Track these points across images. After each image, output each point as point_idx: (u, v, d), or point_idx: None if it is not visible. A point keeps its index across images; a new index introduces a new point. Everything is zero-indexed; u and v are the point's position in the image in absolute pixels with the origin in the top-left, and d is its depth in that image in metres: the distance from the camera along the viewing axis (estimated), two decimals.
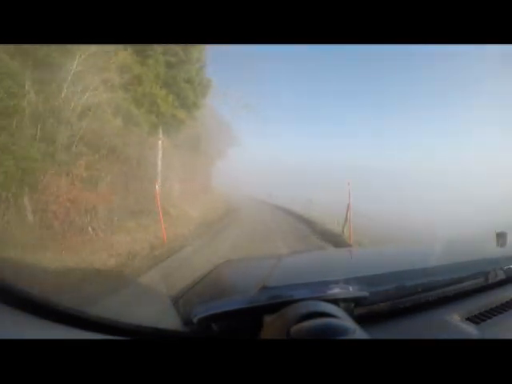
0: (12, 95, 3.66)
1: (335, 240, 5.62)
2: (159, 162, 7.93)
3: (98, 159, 5.23)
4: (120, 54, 6.03)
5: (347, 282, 0.77)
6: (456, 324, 0.69)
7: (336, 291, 0.67)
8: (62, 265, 3.18)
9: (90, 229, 4.52)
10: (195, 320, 0.59)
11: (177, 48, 6.97)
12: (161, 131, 7.86)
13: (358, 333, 0.47)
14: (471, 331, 0.66)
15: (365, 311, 0.70)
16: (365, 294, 0.68)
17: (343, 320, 0.50)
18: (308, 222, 7.98)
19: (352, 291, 0.68)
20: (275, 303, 0.60)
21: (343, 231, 6.04)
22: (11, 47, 3.74)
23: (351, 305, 0.67)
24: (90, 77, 5.04)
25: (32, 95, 4.14)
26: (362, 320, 0.58)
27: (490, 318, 0.73)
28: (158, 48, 6.71)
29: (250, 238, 5.74)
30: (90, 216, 4.65)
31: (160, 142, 7.94)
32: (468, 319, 0.71)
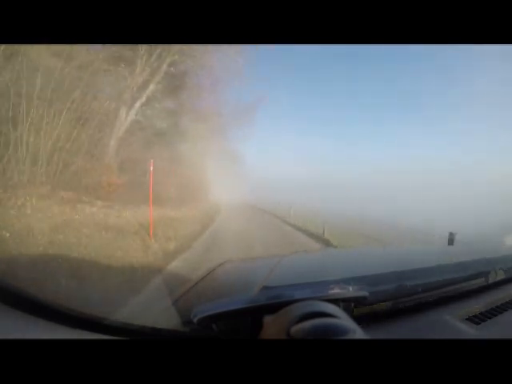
0: None
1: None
2: None
3: None
4: None
5: (347, 282, 0.77)
6: (456, 324, 0.69)
7: (336, 291, 0.67)
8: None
9: None
10: (195, 320, 0.59)
11: None
12: None
13: (358, 333, 0.47)
14: (471, 331, 0.66)
15: (365, 311, 0.70)
16: (365, 293, 0.68)
17: (343, 320, 0.50)
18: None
19: (352, 291, 0.68)
20: (275, 303, 0.60)
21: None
22: None
23: (351, 305, 0.67)
24: None
25: None
26: (361, 320, 0.58)
27: (489, 318, 0.73)
28: None
29: None
30: None
31: None
32: (468, 319, 0.71)
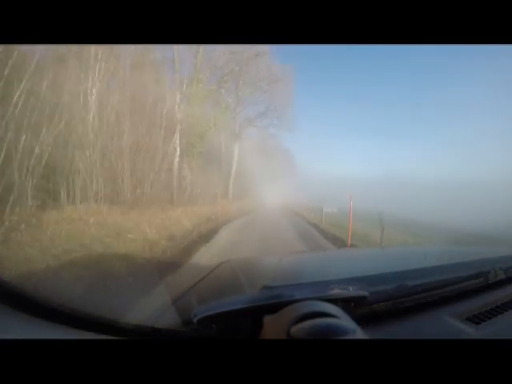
0: None
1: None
2: None
3: None
4: None
5: (347, 282, 0.77)
6: (456, 324, 0.69)
7: (336, 291, 0.67)
8: None
9: None
10: (195, 320, 0.59)
11: None
12: None
13: (358, 333, 0.47)
14: (471, 331, 0.66)
15: (365, 311, 0.70)
16: (365, 293, 0.68)
17: (343, 320, 0.50)
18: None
19: (352, 291, 0.68)
20: (275, 303, 0.60)
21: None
22: None
23: (351, 305, 0.67)
24: None
25: None
26: (361, 320, 0.58)
27: (489, 318, 0.73)
28: None
29: None
30: None
31: None
32: (468, 319, 0.71)
